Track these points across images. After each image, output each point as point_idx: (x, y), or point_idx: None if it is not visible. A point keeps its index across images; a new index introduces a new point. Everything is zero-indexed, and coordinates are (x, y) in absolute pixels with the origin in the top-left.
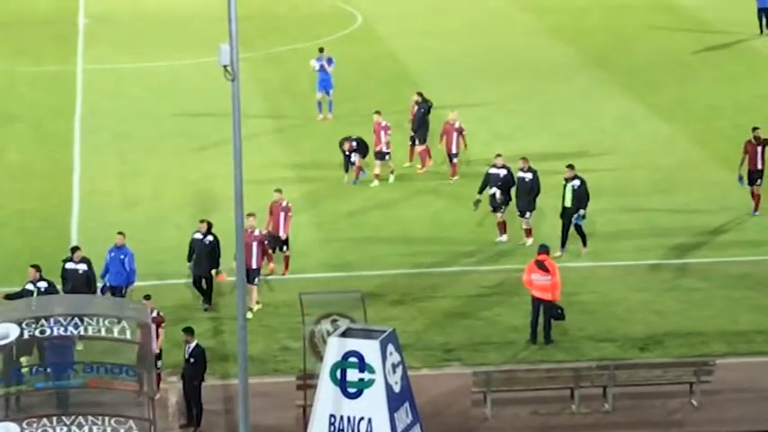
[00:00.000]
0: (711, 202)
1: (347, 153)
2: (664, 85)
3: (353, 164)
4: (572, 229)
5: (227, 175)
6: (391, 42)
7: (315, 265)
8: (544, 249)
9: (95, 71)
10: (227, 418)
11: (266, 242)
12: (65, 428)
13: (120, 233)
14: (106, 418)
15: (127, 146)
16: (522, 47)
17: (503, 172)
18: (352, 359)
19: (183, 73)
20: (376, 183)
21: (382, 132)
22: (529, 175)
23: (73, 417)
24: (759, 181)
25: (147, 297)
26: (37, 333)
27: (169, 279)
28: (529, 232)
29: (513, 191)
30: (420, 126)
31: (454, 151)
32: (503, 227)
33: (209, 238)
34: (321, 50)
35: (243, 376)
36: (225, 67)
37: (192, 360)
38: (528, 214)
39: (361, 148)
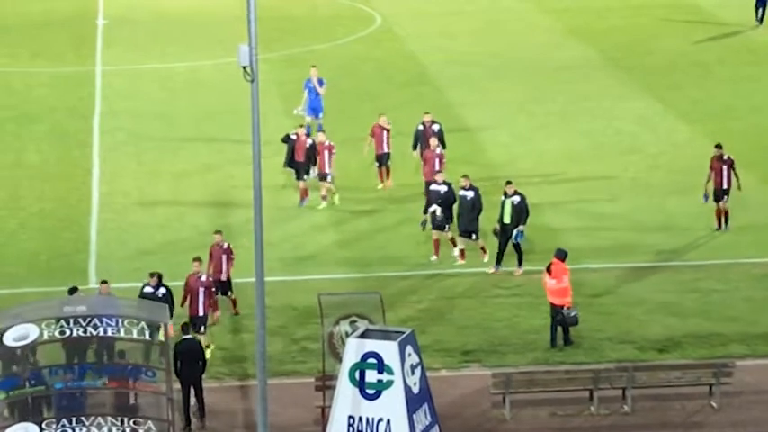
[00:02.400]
0: (730, 203)
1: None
2: (682, 85)
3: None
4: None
5: (245, 176)
6: (410, 43)
7: (333, 265)
8: (559, 254)
9: (114, 72)
10: (246, 418)
11: (214, 288)
12: (84, 429)
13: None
14: (125, 419)
15: (145, 146)
16: (540, 47)
17: (443, 188)
18: (371, 360)
19: (201, 74)
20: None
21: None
22: (470, 194)
23: (92, 417)
24: (726, 198)
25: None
26: (56, 333)
27: None
28: (483, 251)
29: (454, 208)
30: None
31: (386, 151)
32: (451, 242)
33: (162, 290)
34: (313, 67)
35: (261, 377)
36: (244, 67)
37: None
38: (473, 236)
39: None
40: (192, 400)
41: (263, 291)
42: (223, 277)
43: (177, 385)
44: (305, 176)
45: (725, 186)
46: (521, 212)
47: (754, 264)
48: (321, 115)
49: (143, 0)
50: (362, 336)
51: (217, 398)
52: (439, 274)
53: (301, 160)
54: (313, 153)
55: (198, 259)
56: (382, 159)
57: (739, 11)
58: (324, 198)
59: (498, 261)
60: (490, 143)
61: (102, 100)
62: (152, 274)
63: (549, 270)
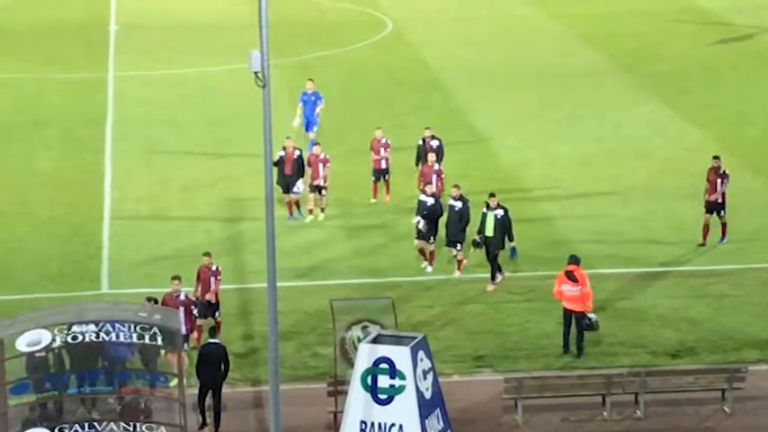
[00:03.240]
0: (741, 208)
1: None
2: (693, 90)
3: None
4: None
5: (257, 181)
6: (421, 49)
7: (345, 271)
8: (574, 260)
9: (126, 78)
10: (258, 423)
11: (193, 307)
12: None
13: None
14: (137, 424)
15: (157, 152)
16: (551, 54)
17: (430, 200)
18: (383, 365)
19: (213, 80)
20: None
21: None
22: (459, 204)
23: (105, 423)
24: (722, 212)
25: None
26: (69, 339)
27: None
28: (459, 264)
29: (442, 220)
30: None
31: (383, 167)
32: (430, 256)
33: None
34: (310, 80)
35: (274, 382)
36: (256, 73)
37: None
38: (459, 246)
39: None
40: (209, 401)
41: (275, 296)
42: (210, 298)
43: (190, 390)
44: (294, 190)
45: (719, 200)
46: (504, 226)
47: (766, 268)
48: (315, 128)
49: (154, 6)
50: (374, 341)
51: (229, 403)
52: (451, 279)
53: (289, 173)
54: (301, 165)
55: (177, 278)
56: (378, 174)
57: (750, 15)
58: (310, 212)
59: (493, 276)
60: (501, 149)
61: (113, 106)
62: (149, 299)
63: (570, 277)
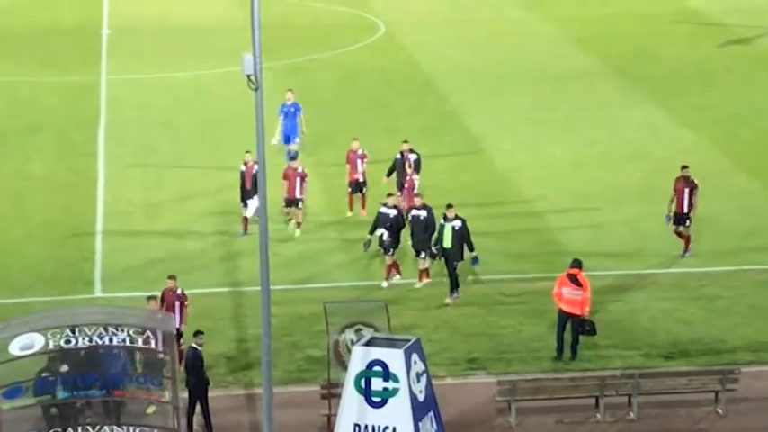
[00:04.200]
0: (735, 210)
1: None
2: (687, 92)
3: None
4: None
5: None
6: (414, 52)
7: (339, 274)
8: (577, 263)
9: (119, 82)
10: (252, 427)
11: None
12: None
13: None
14: (131, 428)
15: (150, 156)
16: (545, 56)
17: (393, 212)
18: (377, 368)
19: (206, 83)
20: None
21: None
22: (423, 213)
23: (98, 426)
24: (687, 222)
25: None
26: (62, 343)
27: (192, 288)
28: (425, 273)
29: (406, 231)
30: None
31: (360, 180)
32: (396, 268)
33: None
34: (290, 91)
35: (267, 385)
36: (248, 76)
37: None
38: (423, 254)
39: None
40: (198, 407)
41: (268, 299)
42: (180, 326)
43: (184, 394)
44: (246, 212)
45: (686, 210)
46: (462, 237)
47: (759, 270)
48: (297, 141)
49: (147, 10)
50: (368, 344)
51: (222, 406)
52: (444, 281)
53: (249, 188)
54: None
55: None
56: (354, 186)
57: (745, 17)
58: (290, 221)
59: (453, 288)
60: (495, 151)
61: (107, 109)
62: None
63: (572, 280)
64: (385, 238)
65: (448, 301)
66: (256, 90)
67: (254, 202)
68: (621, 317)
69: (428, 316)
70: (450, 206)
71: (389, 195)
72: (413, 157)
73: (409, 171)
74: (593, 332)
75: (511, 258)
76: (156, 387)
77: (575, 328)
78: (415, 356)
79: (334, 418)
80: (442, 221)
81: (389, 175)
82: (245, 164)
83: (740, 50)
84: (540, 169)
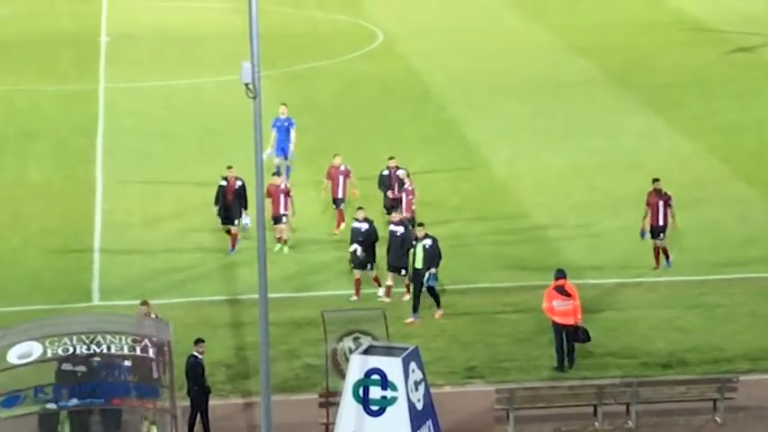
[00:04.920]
0: (734, 219)
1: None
2: (686, 101)
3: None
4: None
5: (248, 193)
6: (412, 60)
7: (337, 282)
8: (562, 274)
9: (117, 90)
10: None
11: None
12: None
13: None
14: None
15: (148, 164)
16: (544, 65)
17: (364, 226)
18: (375, 377)
19: (203, 91)
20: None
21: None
22: (400, 229)
23: None
24: (662, 235)
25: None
26: (59, 351)
27: (190, 297)
28: (389, 289)
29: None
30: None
31: (340, 196)
32: (375, 281)
33: None
34: (283, 105)
35: (265, 394)
36: (246, 84)
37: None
38: (402, 271)
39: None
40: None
41: (266, 307)
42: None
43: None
44: (236, 221)
45: (661, 223)
46: (432, 257)
47: (758, 279)
48: (290, 156)
49: (145, 18)
50: (366, 352)
51: (221, 415)
52: (442, 290)
53: (230, 204)
54: (243, 195)
55: (146, 303)
56: (338, 203)
57: (744, 26)
58: (279, 240)
59: (415, 309)
60: (493, 160)
61: (104, 117)
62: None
63: (560, 292)
64: (358, 253)
65: (438, 313)
66: (255, 98)
67: (246, 219)
68: (620, 325)
69: (426, 324)
70: (420, 225)
71: (359, 209)
72: (401, 172)
73: (407, 187)
74: (587, 339)
75: (509, 267)
76: (154, 396)
77: (569, 338)
78: (413, 365)
79: (333, 427)
80: (414, 242)
81: (379, 188)
82: (226, 179)
83: (739, 59)
84: (538, 178)
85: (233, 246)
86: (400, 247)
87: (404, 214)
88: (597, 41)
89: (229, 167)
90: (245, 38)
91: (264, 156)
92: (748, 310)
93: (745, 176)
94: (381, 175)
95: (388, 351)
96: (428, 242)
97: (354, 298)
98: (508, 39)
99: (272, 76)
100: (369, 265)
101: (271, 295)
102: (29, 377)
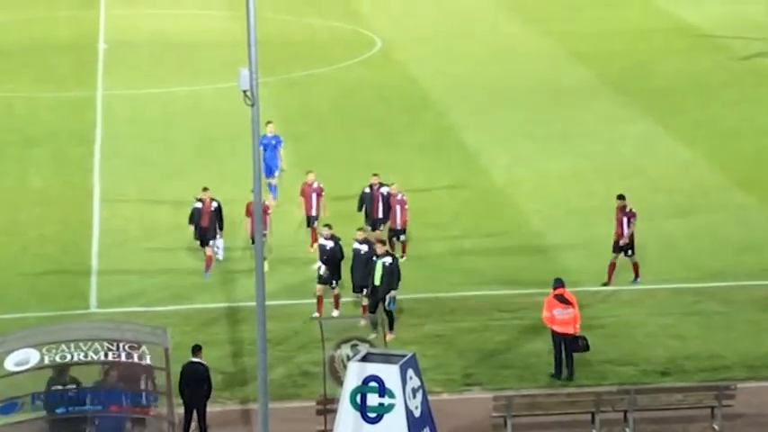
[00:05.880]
0: (732, 226)
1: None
2: (684, 108)
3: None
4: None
5: (245, 199)
6: (411, 67)
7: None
8: (560, 283)
9: (115, 97)
10: None
11: None
12: None
13: None
14: None
15: (146, 171)
16: (542, 71)
17: (329, 244)
18: (372, 384)
19: (201, 98)
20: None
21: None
22: (364, 248)
23: None
24: (630, 252)
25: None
26: (57, 358)
27: (189, 304)
28: (364, 310)
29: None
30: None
31: (314, 214)
32: (335, 300)
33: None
34: (269, 123)
35: (263, 401)
36: (244, 91)
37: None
38: (365, 291)
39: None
40: (193, 424)
41: (263, 315)
42: None
43: (180, 409)
44: (211, 242)
45: (626, 240)
46: (392, 274)
47: (756, 286)
48: (277, 173)
49: (143, 25)
50: (364, 359)
51: (218, 422)
52: (440, 297)
53: (206, 226)
54: (219, 217)
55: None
56: (311, 221)
57: (742, 32)
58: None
59: (375, 326)
60: (492, 166)
61: (103, 124)
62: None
63: (561, 300)
64: (322, 271)
65: (390, 335)
66: (253, 105)
67: (220, 243)
68: (617, 332)
69: (424, 331)
70: (381, 242)
71: (326, 226)
72: (384, 190)
73: (400, 198)
74: (586, 348)
75: (507, 273)
76: (152, 402)
77: (568, 347)
78: (410, 372)
79: None
80: (374, 258)
81: (360, 209)
82: (201, 201)
83: (737, 65)
84: (537, 184)
85: (207, 268)
86: (365, 266)
87: (397, 226)
88: (596, 48)
89: (205, 189)
90: (243, 45)
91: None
92: (746, 318)
93: (744, 183)
94: (363, 193)
95: (386, 358)
96: (388, 260)
97: (316, 315)
98: (507, 45)
99: (270, 83)
100: (333, 283)
101: (268, 302)
102: (26, 384)
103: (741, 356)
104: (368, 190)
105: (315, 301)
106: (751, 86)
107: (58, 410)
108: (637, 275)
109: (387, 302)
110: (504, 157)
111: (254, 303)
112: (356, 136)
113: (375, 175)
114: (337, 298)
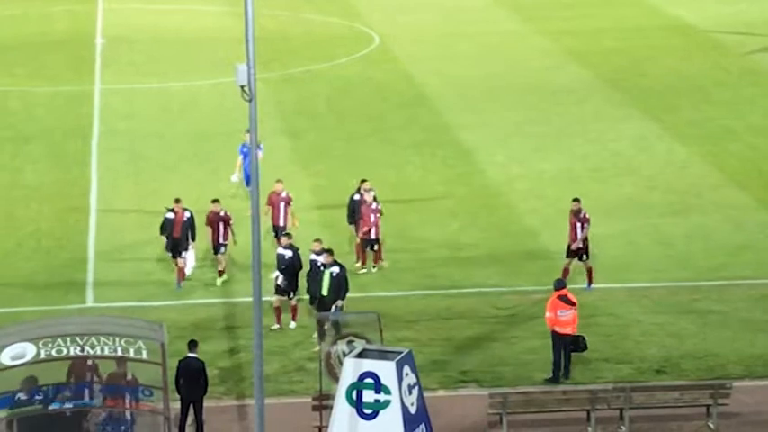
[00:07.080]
0: (727, 224)
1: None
2: (679, 107)
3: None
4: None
5: (243, 195)
6: (408, 64)
7: None
8: (562, 284)
9: (112, 92)
10: None
11: None
12: None
13: None
14: None
15: (143, 166)
16: (537, 70)
17: (288, 253)
18: (368, 380)
19: (199, 94)
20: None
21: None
22: (321, 258)
23: None
24: (585, 257)
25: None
26: (53, 352)
27: (185, 299)
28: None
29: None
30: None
31: (281, 224)
32: (292, 311)
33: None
34: (248, 132)
35: (259, 397)
36: (242, 87)
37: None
38: (316, 302)
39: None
40: (190, 418)
41: (260, 310)
42: None
43: (176, 404)
44: (183, 253)
45: (579, 245)
46: (339, 284)
47: (751, 284)
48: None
49: (141, 20)
50: (360, 355)
51: (214, 417)
52: (436, 294)
53: (178, 237)
54: (191, 228)
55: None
56: (278, 231)
57: (737, 32)
58: (221, 273)
59: (321, 336)
60: (487, 164)
61: (99, 120)
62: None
63: (565, 301)
64: (279, 281)
65: (293, 325)
66: (250, 101)
67: (190, 255)
68: (613, 331)
69: (420, 328)
70: (329, 251)
71: (286, 235)
72: (371, 194)
73: (369, 198)
74: (585, 348)
75: (503, 271)
76: (148, 397)
77: (566, 347)
78: (406, 368)
79: (326, 430)
80: (322, 268)
81: (351, 219)
82: (173, 212)
83: (732, 64)
84: (531, 182)
85: (179, 281)
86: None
87: (371, 235)
88: (591, 47)
89: (177, 200)
90: (240, 41)
91: (232, 179)
92: (742, 316)
93: (739, 182)
94: (352, 200)
95: (382, 355)
96: (335, 270)
97: (276, 326)
98: (503, 44)
99: (268, 79)
100: (290, 293)
101: (265, 299)
102: (23, 378)
103: (736, 355)
104: (357, 197)
105: (306, 296)
106: (746, 86)
107: (55, 405)
108: (590, 281)
109: (332, 314)
110: (500, 156)
111: (250, 299)
112: (352, 132)
113: (364, 180)
114: (295, 309)
